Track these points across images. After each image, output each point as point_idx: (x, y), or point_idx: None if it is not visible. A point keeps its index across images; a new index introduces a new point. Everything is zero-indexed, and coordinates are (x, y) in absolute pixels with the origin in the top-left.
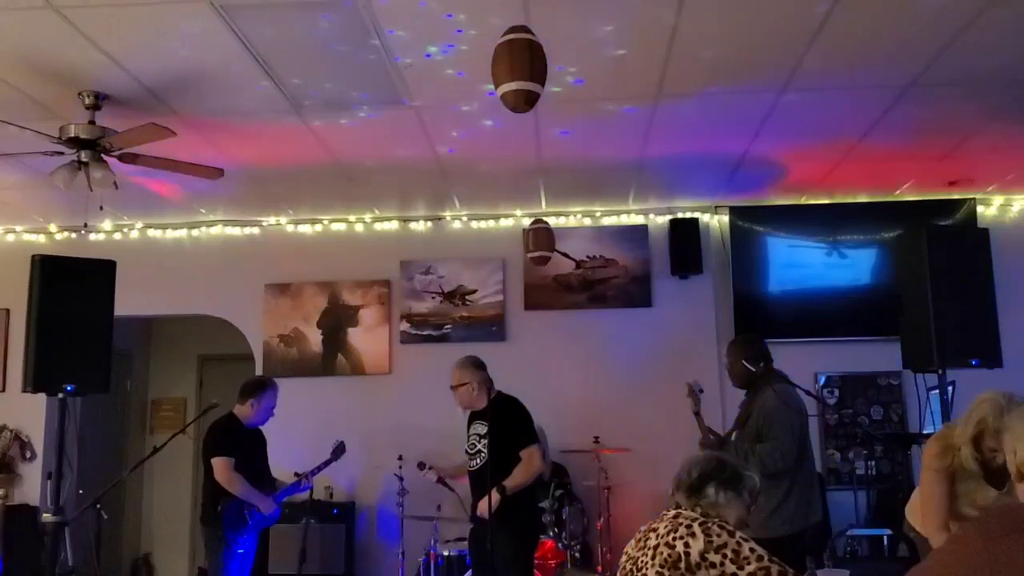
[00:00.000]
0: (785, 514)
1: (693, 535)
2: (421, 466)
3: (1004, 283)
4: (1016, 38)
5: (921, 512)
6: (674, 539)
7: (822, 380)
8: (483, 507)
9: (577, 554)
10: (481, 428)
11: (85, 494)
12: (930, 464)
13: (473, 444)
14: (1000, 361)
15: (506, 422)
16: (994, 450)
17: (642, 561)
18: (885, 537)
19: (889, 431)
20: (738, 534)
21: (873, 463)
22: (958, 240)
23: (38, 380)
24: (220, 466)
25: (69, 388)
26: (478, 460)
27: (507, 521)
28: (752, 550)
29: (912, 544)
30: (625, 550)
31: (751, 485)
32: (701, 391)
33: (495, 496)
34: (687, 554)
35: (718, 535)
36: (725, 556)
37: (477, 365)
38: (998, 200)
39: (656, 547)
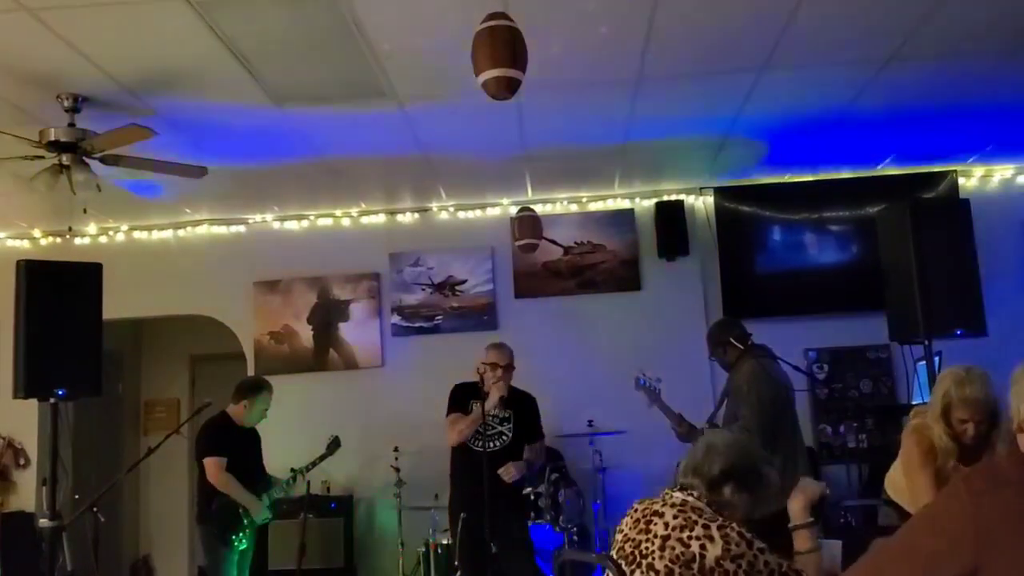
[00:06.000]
0: None
1: (711, 539)
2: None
3: (986, 253)
4: (993, 10)
5: (910, 500)
6: (689, 538)
7: (812, 356)
8: (511, 469)
9: (575, 537)
10: (502, 413)
11: (81, 499)
12: (913, 448)
13: (491, 426)
14: (984, 330)
15: (529, 414)
16: (963, 421)
17: (647, 548)
18: (878, 507)
19: (879, 403)
20: (756, 545)
21: (864, 436)
22: (940, 212)
23: (29, 386)
24: (211, 466)
25: (60, 392)
26: (498, 443)
27: (515, 507)
28: (767, 563)
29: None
30: (620, 528)
31: (768, 482)
32: (659, 381)
33: (523, 464)
34: (702, 556)
35: (737, 544)
36: (740, 567)
37: None
38: (979, 171)
39: (666, 538)
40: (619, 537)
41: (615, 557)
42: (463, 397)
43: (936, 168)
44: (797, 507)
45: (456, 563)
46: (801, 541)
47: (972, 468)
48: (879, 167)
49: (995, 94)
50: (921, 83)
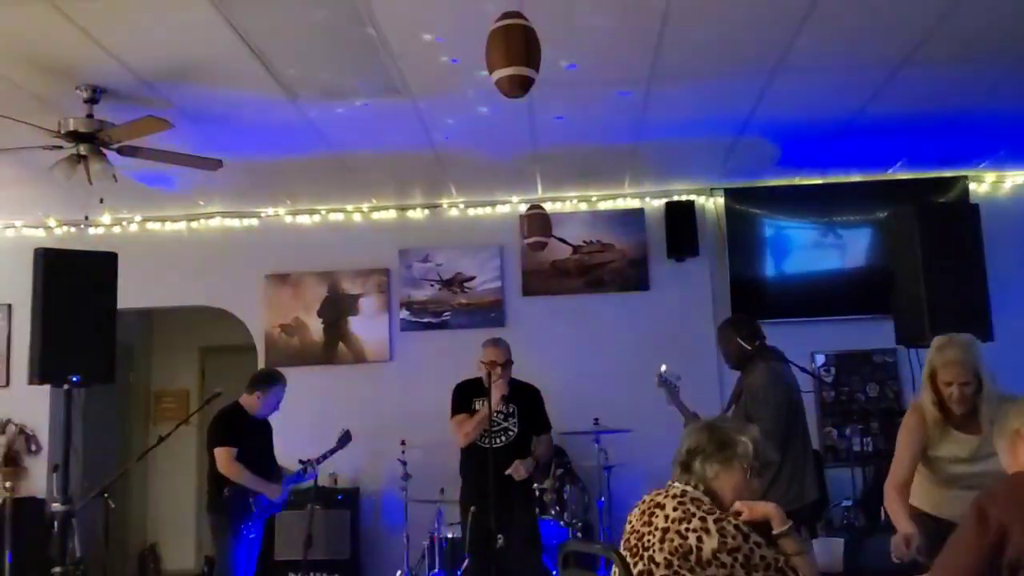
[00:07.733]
0: (777, 494)
1: (707, 531)
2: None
3: (996, 258)
4: (1007, 15)
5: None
6: (687, 530)
7: (819, 359)
8: (520, 469)
9: (578, 532)
10: (506, 409)
11: (91, 486)
12: (904, 425)
13: (496, 422)
14: (991, 335)
15: (533, 407)
16: (948, 384)
17: (648, 540)
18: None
19: (885, 407)
20: (753, 538)
21: (869, 439)
22: (949, 216)
23: (44, 372)
24: (222, 456)
25: (75, 379)
26: (503, 438)
27: (524, 501)
28: (763, 558)
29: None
30: (629, 519)
31: (743, 451)
32: (678, 379)
33: (531, 461)
34: (699, 548)
35: (733, 537)
36: (736, 560)
37: None
38: (990, 177)
39: (665, 531)
40: (627, 528)
41: (621, 549)
42: (466, 397)
43: (947, 173)
44: (775, 517)
45: (465, 554)
46: (788, 545)
47: (995, 485)
48: (890, 171)
49: (1006, 99)
50: (933, 87)
